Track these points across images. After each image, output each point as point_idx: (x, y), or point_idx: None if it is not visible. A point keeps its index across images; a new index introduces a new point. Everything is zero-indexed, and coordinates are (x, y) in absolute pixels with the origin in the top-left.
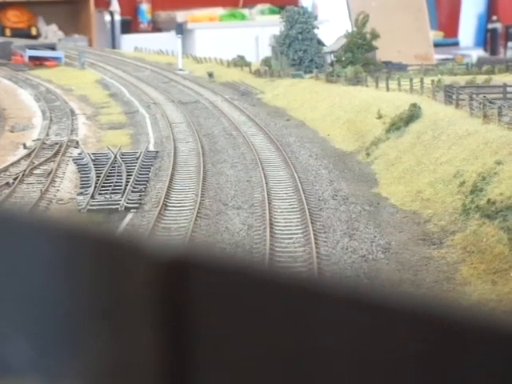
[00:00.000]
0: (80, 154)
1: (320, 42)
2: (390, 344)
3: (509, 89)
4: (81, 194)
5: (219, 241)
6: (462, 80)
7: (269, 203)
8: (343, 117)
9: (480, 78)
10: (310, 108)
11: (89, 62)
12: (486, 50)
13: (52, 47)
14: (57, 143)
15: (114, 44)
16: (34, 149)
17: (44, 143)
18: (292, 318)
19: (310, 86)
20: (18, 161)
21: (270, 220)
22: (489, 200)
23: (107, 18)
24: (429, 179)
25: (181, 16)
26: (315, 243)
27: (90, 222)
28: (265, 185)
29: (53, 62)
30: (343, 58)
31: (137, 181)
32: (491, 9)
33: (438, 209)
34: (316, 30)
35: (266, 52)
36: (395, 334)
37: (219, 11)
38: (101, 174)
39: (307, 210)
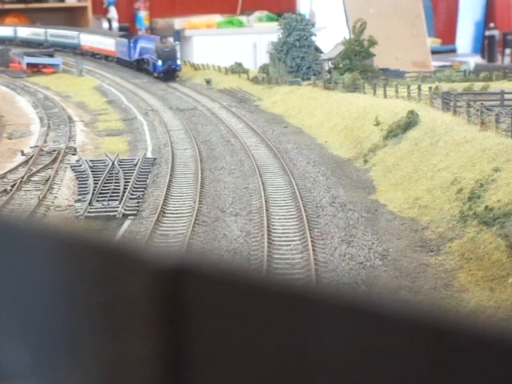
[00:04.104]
0: (78, 160)
1: (318, 49)
2: (388, 350)
3: (506, 96)
4: (79, 200)
5: (217, 247)
6: (459, 87)
7: (266, 210)
8: (341, 124)
9: (477, 85)
10: (308, 115)
11: (87, 69)
12: (483, 56)
13: (50, 54)
14: (55, 150)
15: None
16: (32, 156)
17: (42, 150)
18: (290, 324)
19: (307, 92)
20: (16, 168)
21: (268, 227)
22: (486, 207)
23: (105, 24)
24: (426, 186)
25: (178, 23)
26: (313, 250)
27: (87, 228)
28: (262, 192)
29: (51, 69)
30: (341, 65)
31: (134, 187)
32: (488, 16)
33: (436, 216)
34: (314, 37)
35: (264, 59)
36: (393, 340)
37: (217, 18)
38: (99, 180)
39: (305, 217)
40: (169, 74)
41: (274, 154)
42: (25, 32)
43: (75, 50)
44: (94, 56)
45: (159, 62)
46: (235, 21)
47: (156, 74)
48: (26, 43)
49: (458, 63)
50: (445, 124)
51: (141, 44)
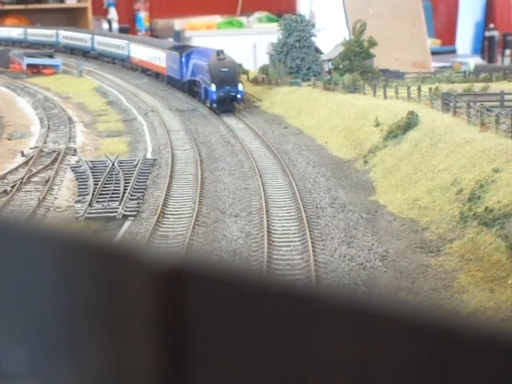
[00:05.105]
0: (78, 161)
1: (317, 50)
2: (388, 351)
3: (506, 96)
4: (78, 201)
5: (217, 248)
6: (459, 88)
7: (266, 211)
8: (341, 124)
9: (477, 86)
10: (308, 116)
11: (86, 70)
12: (483, 57)
13: (50, 55)
14: (55, 151)
15: None
16: (32, 156)
17: (42, 151)
18: (289, 325)
19: (307, 93)
20: (16, 168)
21: (268, 228)
22: (486, 208)
23: (105, 25)
24: (426, 187)
25: (178, 24)
26: (313, 251)
27: (87, 229)
28: (262, 192)
29: (51, 70)
30: (341, 66)
31: (135, 188)
32: (488, 17)
33: (436, 216)
34: (313, 38)
35: (264, 60)
36: (393, 341)
37: (217, 19)
38: (99, 181)
39: (305, 218)
40: (225, 104)
41: (273, 154)
42: (68, 37)
43: (124, 63)
44: (145, 72)
45: (212, 87)
46: (235, 22)
47: (208, 104)
48: (70, 49)
49: (457, 64)
50: (445, 125)
51: (194, 60)
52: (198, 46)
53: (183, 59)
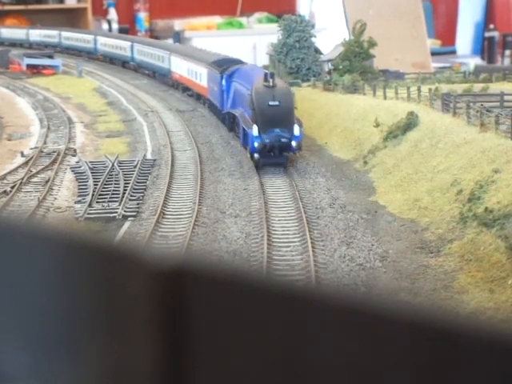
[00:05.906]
0: (78, 162)
1: (317, 51)
2: (388, 351)
3: (506, 97)
4: (78, 202)
5: (217, 249)
6: (459, 88)
7: (266, 211)
8: (341, 125)
9: (477, 87)
10: (308, 116)
11: (86, 71)
12: (483, 58)
13: (50, 55)
14: (54, 151)
15: None
16: (32, 157)
17: (42, 151)
18: (289, 325)
19: (307, 94)
20: (16, 169)
21: (268, 228)
22: (486, 208)
23: (105, 26)
24: (426, 187)
25: (178, 24)
26: (313, 251)
27: (87, 230)
28: (262, 193)
29: (50, 71)
30: (340, 67)
31: (134, 189)
32: (488, 17)
33: (436, 217)
34: (313, 39)
35: (264, 60)
36: (393, 341)
37: (217, 20)
38: (98, 182)
39: (305, 219)
40: (272, 157)
41: None
42: (107, 44)
43: (165, 79)
44: (185, 92)
45: (254, 130)
46: (235, 22)
47: (249, 153)
48: (109, 58)
49: (457, 64)
50: (444, 125)
51: (236, 83)
52: (246, 62)
53: (224, 81)
